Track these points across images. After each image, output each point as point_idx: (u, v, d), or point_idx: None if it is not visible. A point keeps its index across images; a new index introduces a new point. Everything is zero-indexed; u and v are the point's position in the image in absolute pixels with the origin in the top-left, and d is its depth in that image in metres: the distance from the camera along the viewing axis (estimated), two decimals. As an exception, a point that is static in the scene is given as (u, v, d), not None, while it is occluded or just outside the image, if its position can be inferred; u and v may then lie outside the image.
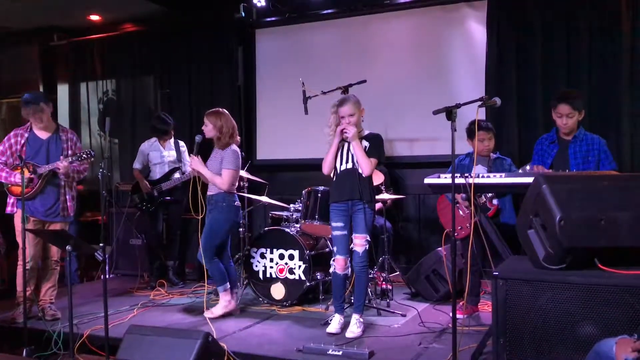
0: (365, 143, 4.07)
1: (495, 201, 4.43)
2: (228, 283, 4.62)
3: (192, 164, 4.57)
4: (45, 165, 4.53)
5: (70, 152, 4.66)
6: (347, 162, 4.09)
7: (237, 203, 4.67)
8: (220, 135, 4.57)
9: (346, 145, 4.10)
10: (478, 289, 4.52)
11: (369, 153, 4.04)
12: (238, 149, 4.66)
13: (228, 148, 4.59)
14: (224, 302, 4.63)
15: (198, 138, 4.60)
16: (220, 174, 4.52)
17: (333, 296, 4.28)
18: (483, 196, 4.31)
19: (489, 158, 4.52)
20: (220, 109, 4.68)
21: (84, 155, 4.53)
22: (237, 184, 4.70)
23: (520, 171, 4.30)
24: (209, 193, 4.62)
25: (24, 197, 4.18)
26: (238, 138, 4.69)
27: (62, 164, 4.47)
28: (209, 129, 4.59)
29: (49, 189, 4.58)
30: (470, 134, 4.47)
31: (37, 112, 4.56)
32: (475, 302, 4.49)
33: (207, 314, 4.56)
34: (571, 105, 3.98)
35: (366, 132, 4.15)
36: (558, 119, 4.05)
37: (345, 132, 4.01)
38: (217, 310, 4.60)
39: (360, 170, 4.03)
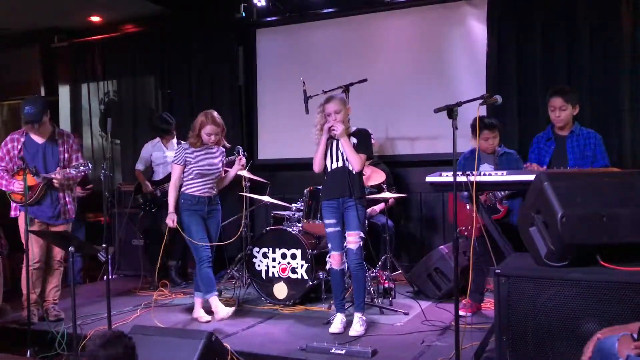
0: (354, 140, 4.09)
1: (505, 202, 4.40)
2: None
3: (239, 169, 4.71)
4: (43, 172, 4.53)
5: (66, 155, 4.66)
6: (337, 160, 4.11)
7: None
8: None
9: (335, 143, 4.11)
10: (482, 287, 4.52)
11: (357, 149, 4.06)
12: None
13: (220, 147, 4.69)
14: (220, 303, 4.60)
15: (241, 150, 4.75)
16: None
17: (333, 294, 4.28)
18: (492, 195, 4.28)
19: (494, 155, 4.47)
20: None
21: (81, 167, 4.54)
22: None
23: None
24: (212, 193, 4.61)
25: (26, 204, 4.17)
26: None
27: (57, 177, 4.48)
28: (221, 136, 4.60)
29: (48, 194, 4.57)
30: (475, 130, 4.43)
31: (40, 126, 4.55)
32: (479, 300, 4.50)
33: (217, 317, 4.49)
34: (563, 97, 3.98)
35: (353, 128, 4.16)
36: (551, 112, 4.06)
37: (333, 129, 4.03)
38: (223, 312, 4.50)
39: (350, 168, 4.05)
